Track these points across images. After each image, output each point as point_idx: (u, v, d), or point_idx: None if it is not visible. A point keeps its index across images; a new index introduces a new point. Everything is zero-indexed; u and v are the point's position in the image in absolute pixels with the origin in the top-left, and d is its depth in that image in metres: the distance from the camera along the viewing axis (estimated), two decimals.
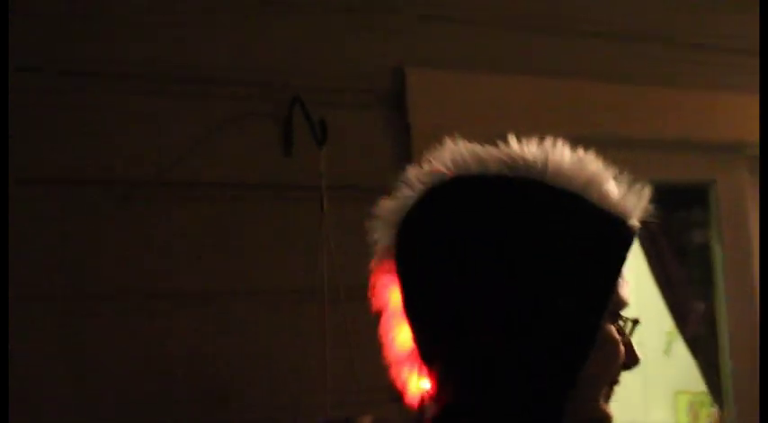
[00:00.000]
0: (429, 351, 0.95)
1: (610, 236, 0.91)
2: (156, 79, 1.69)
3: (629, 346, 0.96)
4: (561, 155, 0.94)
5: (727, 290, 2.25)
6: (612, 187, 0.94)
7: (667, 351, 4.48)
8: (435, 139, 1.91)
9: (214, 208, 1.70)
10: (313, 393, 1.61)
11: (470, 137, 1.99)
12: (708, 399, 4.42)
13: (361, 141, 1.82)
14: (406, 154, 1.84)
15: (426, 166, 0.99)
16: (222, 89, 1.73)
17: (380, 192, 1.81)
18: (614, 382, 0.96)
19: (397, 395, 1.73)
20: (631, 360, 0.96)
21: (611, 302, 0.92)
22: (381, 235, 1.02)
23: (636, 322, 0.97)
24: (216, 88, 1.73)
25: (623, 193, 0.93)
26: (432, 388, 0.95)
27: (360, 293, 1.74)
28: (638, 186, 0.94)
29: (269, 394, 1.67)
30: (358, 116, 1.83)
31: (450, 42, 1.94)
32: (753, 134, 2.20)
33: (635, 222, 0.93)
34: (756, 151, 2.29)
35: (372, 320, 1.75)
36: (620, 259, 0.91)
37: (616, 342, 0.94)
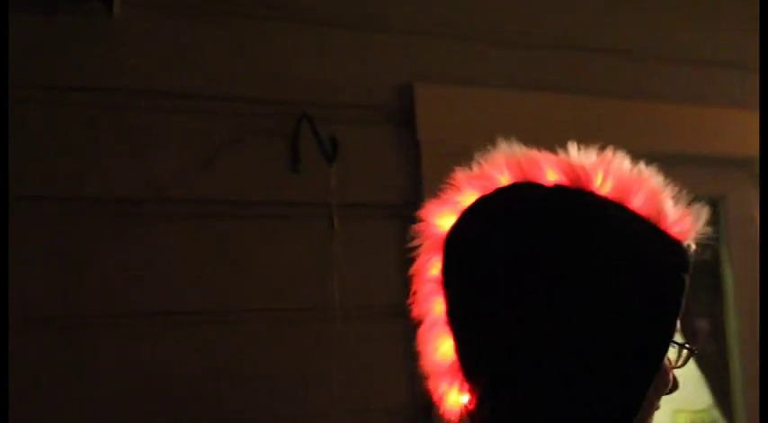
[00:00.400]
0: (473, 365, 0.89)
1: (671, 258, 0.87)
2: (161, 95, 1.67)
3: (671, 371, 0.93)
4: (621, 167, 0.90)
5: (738, 306, 2.23)
6: (671, 205, 0.90)
7: None
8: (445, 155, 1.89)
9: (222, 226, 1.68)
10: (320, 412, 1.58)
11: (480, 153, 1.97)
12: (707, 416, 4.41)
13: (370, 158, 1.80)
14: (416, 170, 1.82)
15: (477, 170, 0.94)
16: (228, 105, 1.71)
17: (390, 208, 1.80)
18: (657, 407, 0.93)
19: (403, 415, 1.70)
20: (674, 385, 0.93)
21: (674, 328, 0.88)
22: (427, 240, 0.95)
23: (692, 351, 0.92)
24: (222, 105, 1.71)
25: (682, 213, 0.90)
26: (471, 403, 0.89)
27: (371, 312, 1.73)
28: (697, 206, 0.90)
29: (274, 413, 1.64)
30: (366, 133, 1.81)
31: (459, 59, 1.93)
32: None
33: (692, 244, 0.89)
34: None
35: (383, 339, 1.73)
36: (682, 283, 0.87)
37: (667, 368, 0.90)
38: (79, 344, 1.54)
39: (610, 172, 0.90)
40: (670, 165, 2.10)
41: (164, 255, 1.62)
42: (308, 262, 1.69)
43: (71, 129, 1.58)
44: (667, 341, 0.87)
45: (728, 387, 2.30)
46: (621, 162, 0.91)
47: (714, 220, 2.42)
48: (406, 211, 1.79)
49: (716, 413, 4.17)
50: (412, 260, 0.97)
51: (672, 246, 0.88)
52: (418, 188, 1.81)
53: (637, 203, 0.88)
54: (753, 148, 2.19)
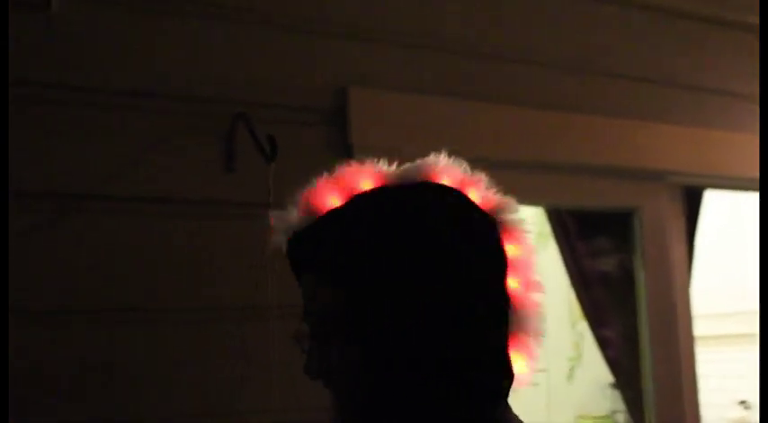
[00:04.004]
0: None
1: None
2: (98, 91, 1.65)
3: None
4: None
5: (650, 315, 2.31)
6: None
7: (570, 376, 4.59)
8: (377, 159, 1.92)
9: (159, 224, 1.67)
10: (257, 412, 1.59)
11: (410, 157, 2.01)
12: (609, 422, 4.56)
13: (305, 159, 1.82)
14: None
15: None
16: (165, 103, 1.71)
17: None
18: None
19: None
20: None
21: None
22: None
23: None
24: (159, 102, 1.70)
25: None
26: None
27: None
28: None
29: (210, 413, 1.65)
30: (301, 134, 1.82)
31: (394, 64, 1.96)
32: (675, 163, 2.29)
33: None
34: (679, 180, 2.38)
35: None
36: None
37: None
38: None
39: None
40: (588, 175, 2.20)
41: (101, 252, 1.61)
42: (243, 261, 1.70)
43: (11, 123, 1.56)
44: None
45: (640, 393, 2.38)
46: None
47: (629, 231, 2.50)
48: None
49: (619, 419, 4.29)
50: None
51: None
52: None
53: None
54: (667, 161, 2.28)
